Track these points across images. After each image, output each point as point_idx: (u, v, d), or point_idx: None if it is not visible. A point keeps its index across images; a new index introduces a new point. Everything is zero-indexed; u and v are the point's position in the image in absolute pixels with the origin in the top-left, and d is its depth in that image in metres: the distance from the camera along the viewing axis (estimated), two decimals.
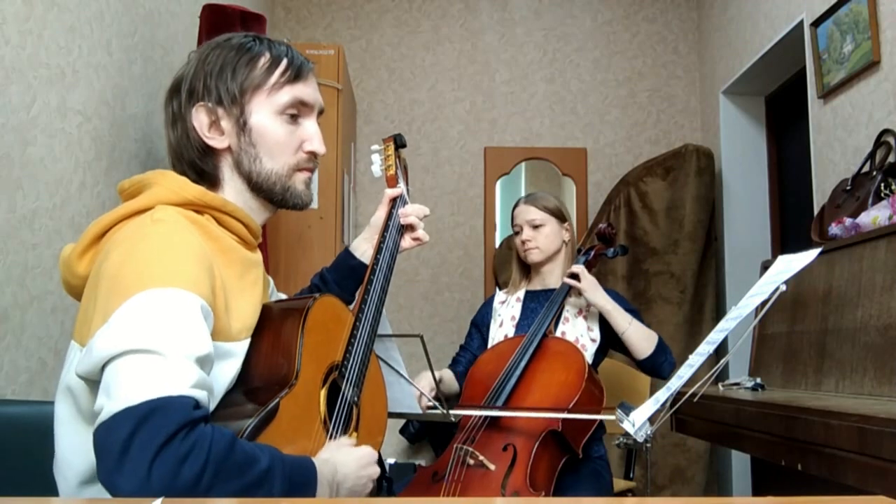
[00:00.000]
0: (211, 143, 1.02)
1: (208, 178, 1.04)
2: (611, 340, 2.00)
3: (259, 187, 1.05)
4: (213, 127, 1.02)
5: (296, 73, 1.05)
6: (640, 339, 1.92)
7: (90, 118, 1.75)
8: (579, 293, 2.01)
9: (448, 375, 2.02)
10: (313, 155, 1.08)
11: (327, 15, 4.09)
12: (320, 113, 1.11)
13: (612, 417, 1.46)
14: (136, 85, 2.03)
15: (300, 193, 1.07)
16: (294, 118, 1.05)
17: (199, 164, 1.03)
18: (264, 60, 1.03)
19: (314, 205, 2.65)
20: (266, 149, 1.03)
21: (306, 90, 1.06)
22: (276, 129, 1.03)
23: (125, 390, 0.76)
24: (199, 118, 1.02)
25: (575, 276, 1.96)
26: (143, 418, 0.74)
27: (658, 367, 1.93)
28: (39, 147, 1.52)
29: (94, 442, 0.75)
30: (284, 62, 1.04)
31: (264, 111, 1.03)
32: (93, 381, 0.83)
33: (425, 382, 1.70)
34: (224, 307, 0.91)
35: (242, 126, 1.02)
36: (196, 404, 0.78)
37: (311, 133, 1.07)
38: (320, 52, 3.05)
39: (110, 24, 1.85)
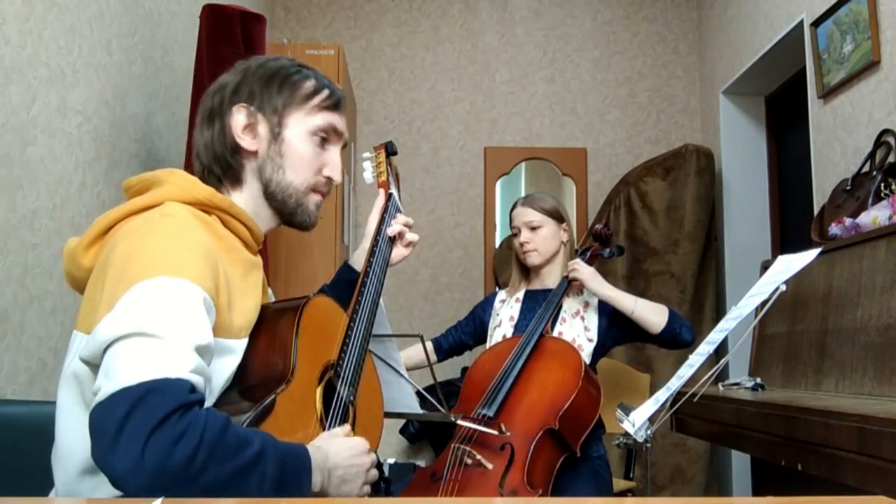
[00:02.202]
0: (242, 143, 1.07)
1: (232, 175, 1.09)
2: (631, 332, 1.99)
3: (273, 196, 1.09)
4: (248, 129, 1.08)
5: (334, 103, 1.13)
6: (651, 313, 1.92)
7: (90, 118, 1.75)
8: (578, 291, 2.01)
9: (418, 353, 2.05)
10: (330, 181, 1.14)
11: (327, 15, 4.09)
12: (344, 146, 1.18)
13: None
14: (136, 85, 2.04)
15: (310, 213, 1.13)
16: (323, 142, 1.12)
17: (227, 160, 1.08)
18: (309, 85, 1.11)
19: None
20: (291, 162, 1.09)
21: (340, 121, 1.14)
22: (305, 146, 1.10)
23: (123, 371, 0.77)
24: (238, 118, 1.07)
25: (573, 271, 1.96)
26: (140, 399, 0.75)
27: (677, 335, 1.93)
28: (39, 147, 1.52)
29: (90, 422, 0.77)
30: (326, 91, 1.13)
31: (299, 128, 1.10)
32: (96, 367, 0.84)
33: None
34: (227, 304, 0.93)
35: (276, 136, 1.09)
36: (192, 388, 0.80)
37: (333, 160, 1.14)
38: (320, 52, 3.05)
39: (110, 24, 1.86)
